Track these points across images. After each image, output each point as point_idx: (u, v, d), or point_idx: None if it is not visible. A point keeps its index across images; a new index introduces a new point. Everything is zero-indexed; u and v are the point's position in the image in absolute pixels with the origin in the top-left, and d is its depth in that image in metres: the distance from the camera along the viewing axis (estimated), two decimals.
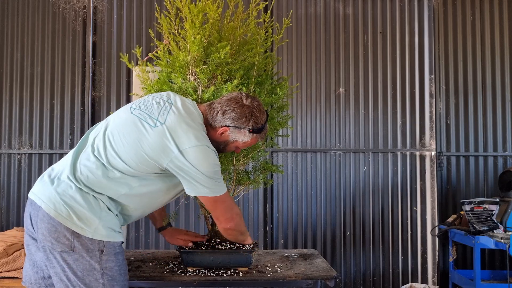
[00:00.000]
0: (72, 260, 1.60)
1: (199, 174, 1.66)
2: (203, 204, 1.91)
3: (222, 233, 1.93)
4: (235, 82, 2.03)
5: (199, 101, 2.02)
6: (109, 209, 1.68)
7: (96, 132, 1.77)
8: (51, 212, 1.59)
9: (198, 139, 1.66)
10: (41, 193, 1.64)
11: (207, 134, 1.76)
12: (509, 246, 2.90)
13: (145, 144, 1.65)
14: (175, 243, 2.10)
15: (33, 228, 1.66)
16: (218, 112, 1.77)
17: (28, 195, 1.70)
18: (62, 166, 1.72)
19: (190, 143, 1.64)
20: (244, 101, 1.79)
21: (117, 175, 1.67)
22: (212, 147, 1.71)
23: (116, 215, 1.72)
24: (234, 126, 1.77)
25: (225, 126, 1.77)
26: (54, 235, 1.59)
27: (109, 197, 1.69)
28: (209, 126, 1.79)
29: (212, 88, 2.03)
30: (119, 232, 1.71)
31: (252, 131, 1.78)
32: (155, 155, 1.65)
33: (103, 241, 1.63)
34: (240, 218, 1.86)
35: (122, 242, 1.73)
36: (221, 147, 1.83)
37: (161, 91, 2.10)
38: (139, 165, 1.67)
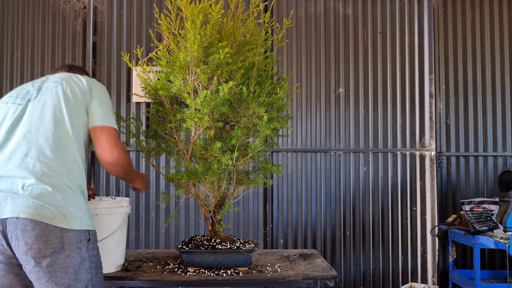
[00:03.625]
0: (63, 259, 1.58)
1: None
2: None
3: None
4: (231, 83, 2.03)
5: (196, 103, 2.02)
6: (83, 195, 1.70)
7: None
8: (35, 217, 1.55)
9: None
10: (11, 207, 1.56)
11: None
12: (509, 246, 2.90)
13: None
14: None
15: (10, 245, 1.57)
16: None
17: None
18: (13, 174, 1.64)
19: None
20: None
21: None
22: None
23: (85, 199, 1.73)
24: None
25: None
26: (42, 239, 1.55)
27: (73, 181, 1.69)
28: None
29: (208, 92, 2.03)
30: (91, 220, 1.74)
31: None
32: None
33: (88, 230, 1.65)
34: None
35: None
36: None
37: (160, 91, 2.11)
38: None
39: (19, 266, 1.60)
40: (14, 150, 1.65)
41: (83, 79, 1.83)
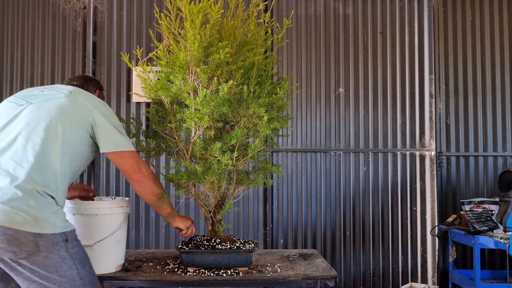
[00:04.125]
0: (41, 259, 1.60)
1: None
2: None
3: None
4: (231, 82, 2.04)
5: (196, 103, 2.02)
6: (56, 203, 1.73)
7: None
8: (5, 224, 1.55)
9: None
10: None
11: None
12: (508, 246, 2.90)
13: None
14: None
15: None
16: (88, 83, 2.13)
17: None
18: None
19: None
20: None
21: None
22: None
23: (61, 206, 1.76)
24: (102, 90, 2.21)
25: (98, 90, 2.17)
26: (14, 243, 1.56)
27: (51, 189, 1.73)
28: None
29: (208, 91, 2.03)
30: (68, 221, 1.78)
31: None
32: None
33: (64, 232, 1.68)
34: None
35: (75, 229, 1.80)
36: None
37: (160, 91, 2.11)
38: None
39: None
40: (2, 150, 1.70)
41: (91, 99, 1.88)
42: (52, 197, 1.70)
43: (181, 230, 2.18)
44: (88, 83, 2.14)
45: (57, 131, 1.73)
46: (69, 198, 2.11)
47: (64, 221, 1.72)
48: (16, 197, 1.60)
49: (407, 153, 3.85)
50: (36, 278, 1.60)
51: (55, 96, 1.82)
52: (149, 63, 2.41)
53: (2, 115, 1.78)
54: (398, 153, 3.85)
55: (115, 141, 1.83)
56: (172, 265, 2.19)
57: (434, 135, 3.84)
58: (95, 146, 1.87)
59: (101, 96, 2.18)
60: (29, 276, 1.60)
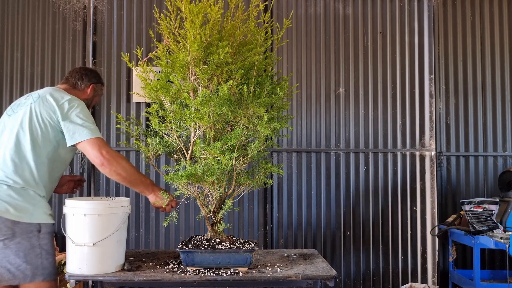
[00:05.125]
0: (14, 244, 1.89)
1: None
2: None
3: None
4: (231, 82, 2.04)
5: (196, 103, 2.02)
6: (39, 195, 2.01)
7: None
8: None
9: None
10: None
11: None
12: (508, 246, 2.90)
13: None
14: (63, 193, 2.44)
15: None
16: (82, 77, 2.30)
17: None
18: None
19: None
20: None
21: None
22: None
23: (44, 196, 2.04)
24: (98, 82, 2.35)
25: (93, 84, 2.31)
26: None
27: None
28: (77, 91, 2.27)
29: (208, 91, 2.03)
30: (50, 214, 2.04)
31: (102, 83, 2.40)
32: None
33: (39, 223, 1.96)
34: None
35: (53, 223, 2.06)
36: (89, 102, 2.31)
37: (160, 91, 2.11)
38: None
39: None
40: None
41: (58, 98, 2.07)
42: (34, 191, 1.99)
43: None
44: (83, 78, 2.30)
45: (24, 135, 2.00)
46: (64, 193, 2.42)
47: (44, 214, 1.99)
48: (1, 189, 1.94)
49: (407, 153, 3.85)
50: (5, 263, 1.89)
51: (26, 103, 2.08)
52: (149, 63, 2.41)
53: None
54: (398, 153, 3.85)
55: (74, 133, 2.01)
56: (172, 265, 2.20)
57: (434, 135, 3.84)
58: None
59: (96, 90, 2.34)
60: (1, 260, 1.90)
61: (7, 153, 1.99)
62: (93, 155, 2.01)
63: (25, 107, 2.05)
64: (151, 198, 2.20)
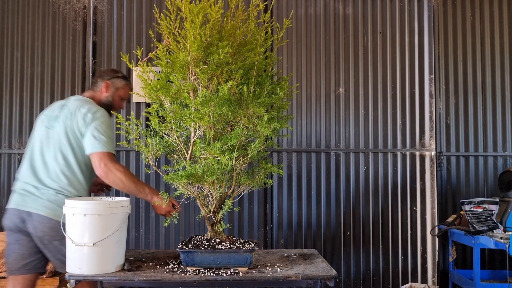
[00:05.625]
0: (64, 240, 2.09)
1: None
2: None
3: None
4: (231, 82, 2.03)
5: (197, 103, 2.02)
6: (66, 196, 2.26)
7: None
8: (52, 216, 2.17)
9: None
10: (33, 204, 2.20)
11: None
12: (508, 246, 2.90)
13: None
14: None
15: (28, 228, 2.20)
16: (97, 80, 2.47)
17: (14, 207, 2.23)
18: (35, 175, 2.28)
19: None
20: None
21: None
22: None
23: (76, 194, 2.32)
24: (111, 78, 2.46)
25: (106, 80, 2.44)
26: (55, 230, 2.14)
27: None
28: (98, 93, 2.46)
29: (208, 91, 2.03)
30: None
31: (122, 77, 2.50)
32: None
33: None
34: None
35: None
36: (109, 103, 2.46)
37: (160, 91, 2.11)
38: None
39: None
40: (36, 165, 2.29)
41: (84, 112, 2.25)
42: (81, 195, 2.28)
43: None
44: (98, 80, 2.47)
45: (69, 152, 2.25)
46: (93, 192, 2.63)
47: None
48: (53, 198, 2.21)
49: (407, 153, 3.85)
50: (60, 256, 2.17)
51: (62, 117, 2.28)
52: (149, 63, 2.41)
53: (35, 138, 2.35)
54: (398, 153, 3.85)
55: (88, 145, 2.22)
56: (172, 265, 2.20)
57: (434, 135, 3.84)
58: None
59: (114, 85, 2.47)
60: (55, 254, 2.21)
61: (58, 168, 2.23)
62: (95, 167, 2.23)
63: (61, 125, 2.26)
64: (153, 204, 2.34)
